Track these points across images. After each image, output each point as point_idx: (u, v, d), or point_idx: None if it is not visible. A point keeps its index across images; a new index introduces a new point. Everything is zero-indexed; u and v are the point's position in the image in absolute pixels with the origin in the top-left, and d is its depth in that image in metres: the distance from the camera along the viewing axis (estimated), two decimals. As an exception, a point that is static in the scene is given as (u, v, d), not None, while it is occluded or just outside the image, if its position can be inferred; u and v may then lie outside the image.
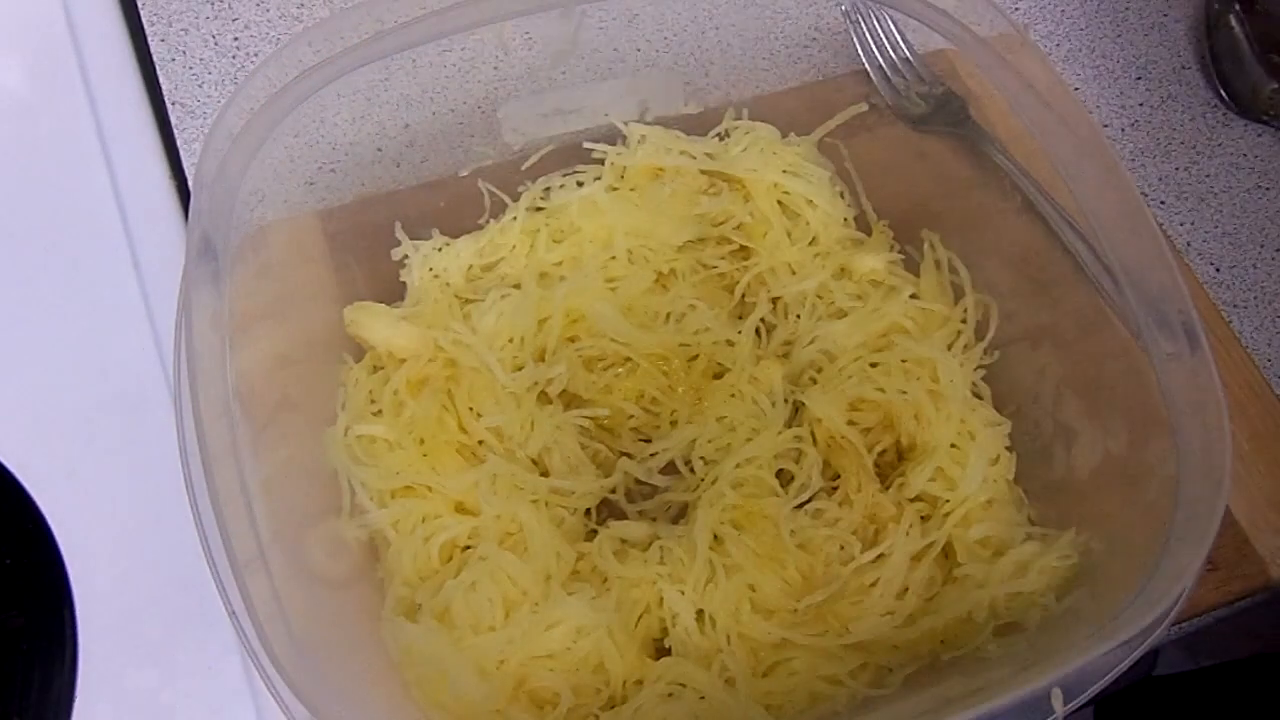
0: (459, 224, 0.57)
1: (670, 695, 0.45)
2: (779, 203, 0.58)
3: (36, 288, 0.57)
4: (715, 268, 0.56)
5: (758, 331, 0.55)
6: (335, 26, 0.47)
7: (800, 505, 0.50)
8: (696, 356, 0.54)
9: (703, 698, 0.45)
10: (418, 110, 0.59)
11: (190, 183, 0.56)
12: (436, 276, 0.55)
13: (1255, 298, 0.61)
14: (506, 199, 0.58)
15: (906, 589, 0.48)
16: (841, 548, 0.48)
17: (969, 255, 0.55)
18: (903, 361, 0.52)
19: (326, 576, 0.46)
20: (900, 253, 0.57)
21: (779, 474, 0.51)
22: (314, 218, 0.55)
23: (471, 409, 0.51)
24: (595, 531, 0.50)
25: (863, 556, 0.48)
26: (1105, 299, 0.48)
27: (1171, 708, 0.54)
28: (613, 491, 0.51)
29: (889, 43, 0.60)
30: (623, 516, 0.51)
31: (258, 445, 0.42)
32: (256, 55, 0.65)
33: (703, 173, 0.58)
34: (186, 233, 0.43)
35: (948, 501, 0.49)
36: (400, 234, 0.56)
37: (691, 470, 0.52)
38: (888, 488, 0.51)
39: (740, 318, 0.55)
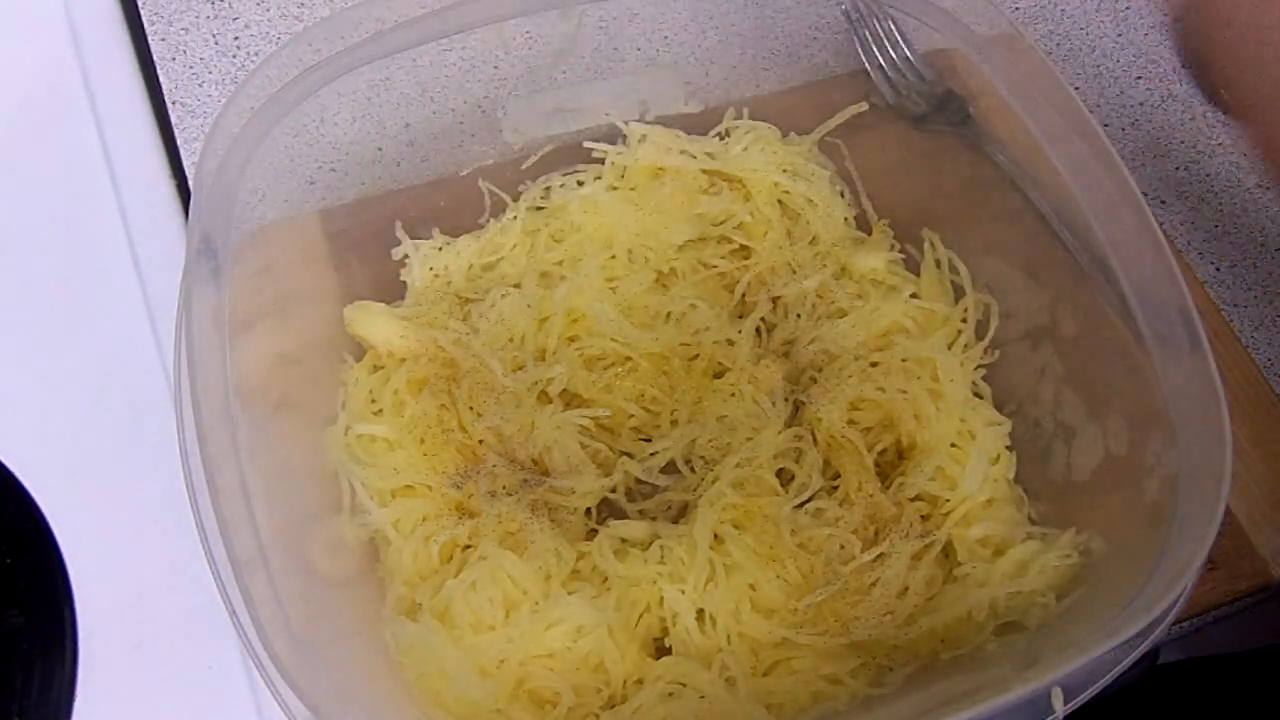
0: (459, 223, 0.57)
1: (671, 695, 0.45)
2: (779, 202, 0.58)
3: (37, 287, 0.57)
4: (715, 267, 0.56)
5: (758, 331, 0.55)
6: (335, 26, 0.47)
7: (800, 505, 0.50)
8: (697, 356, 0.54)
9: (703, 697, 0.45)
10: (418, 110, 0.59)
11: (190, 182, 0.56)
12: (437, 276, 0.55)
13: (1255, 297, 0.61)
14: (507, 198, 0.58)
15: (907, 588, 0.48)
16: (841, 547, 0.48)
17: (969, 255, 0.55)
18: (903, 361, 0.52)
19: (326, 576, 0.46)
20: (900, 252, 0.57)
21: (779, 473, 0.51)
22: (314, 217, 0.55)
23: (472, 409, 0.51)
24: (595, 531, 0.50)
25: (863, 556, 0.48)
26: (1105, 299, 0.48)
27: (1175, 698, 0.54)
28: (613, 491, 0.51)
29: (889, 42, 0.60)
30: (623, 516, 0.51)
31: (258, 445, 0.42)
32: (257, 55, 0.65)
33: (703, 172, 0.58)
34: (186, 232, 0.43)
35: (948, 501, 0.49)
36: (401, 233, 0.56)
37: (692, 470, 0.52)
38: (888, 487, 0.51)
39: (740, 317, 0.55)
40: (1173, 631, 0.52)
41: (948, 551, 0.50)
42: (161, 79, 0.64)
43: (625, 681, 0.46)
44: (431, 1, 0.47)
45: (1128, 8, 0.72)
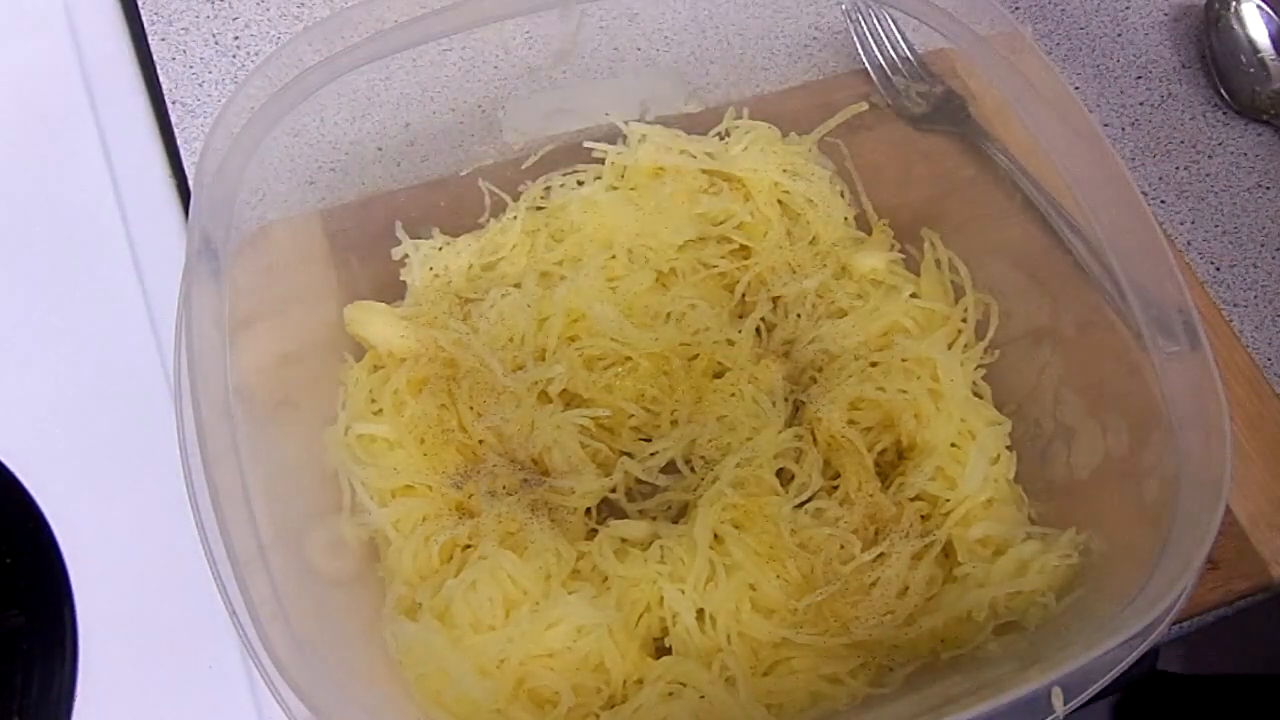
0: (459, 223, 0.57)
1: (671, 694, 0.45)
2: (779, 202, 0.58)
3: (37, 287, 0.57)
4: (715, 267, 0.56)
5: (758, 331, 0.55)
6: (335, 26, 0.47)
7: (800, 504, 0.50)
8: (697, 356, 0.54)
9: (703, 697, 0.45)
10: (418, 110, 0.59)
11: (190, 182, 0.56)
12: (437, 276, 0.55)
13: (1255, 297, 0.61)
14: (507, 198, 0.58)
15: (907, 588, 0.48)
16: (842, 547, 0.48)
17: (969, 255, 0.55)
18: (903, 361, 0.52)
19: (326, 576, 0.46)
20: (900, 252, 0.57)
21: (779, 473, 0.51)
22: (315, 217, 0.55)
23: (472, 408, 0.51)
24: (595, 531, 0.50)
25: (863, 556, 0.48)
26: (1105, 299, 0.48)
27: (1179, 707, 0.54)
28: (613, 491, 0.51)
29: (889, 42, 0.60)
30: (623, 515, 0.51)
31: (258, 445, 0.42)
32: (257, 54, 0.65)
33: (703, 172, 0.58)
34: (186, 232, 0.43)
35: (948, 501, 0.49)
36: (401, 233, 0.56)
37: (692, 469, 0.52)
38: (888, 487, 0.51)
39: (740, 317, 0.55)
40: (1173, 631, 0.52)
41: (948, 551, 0.50)
42: (161, 79, 0.64)
43: (625, 681, 0.46)
44: (432, 1, 0.47)
45: (1127, 8, 0.72)
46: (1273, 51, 0.67)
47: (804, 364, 0.54)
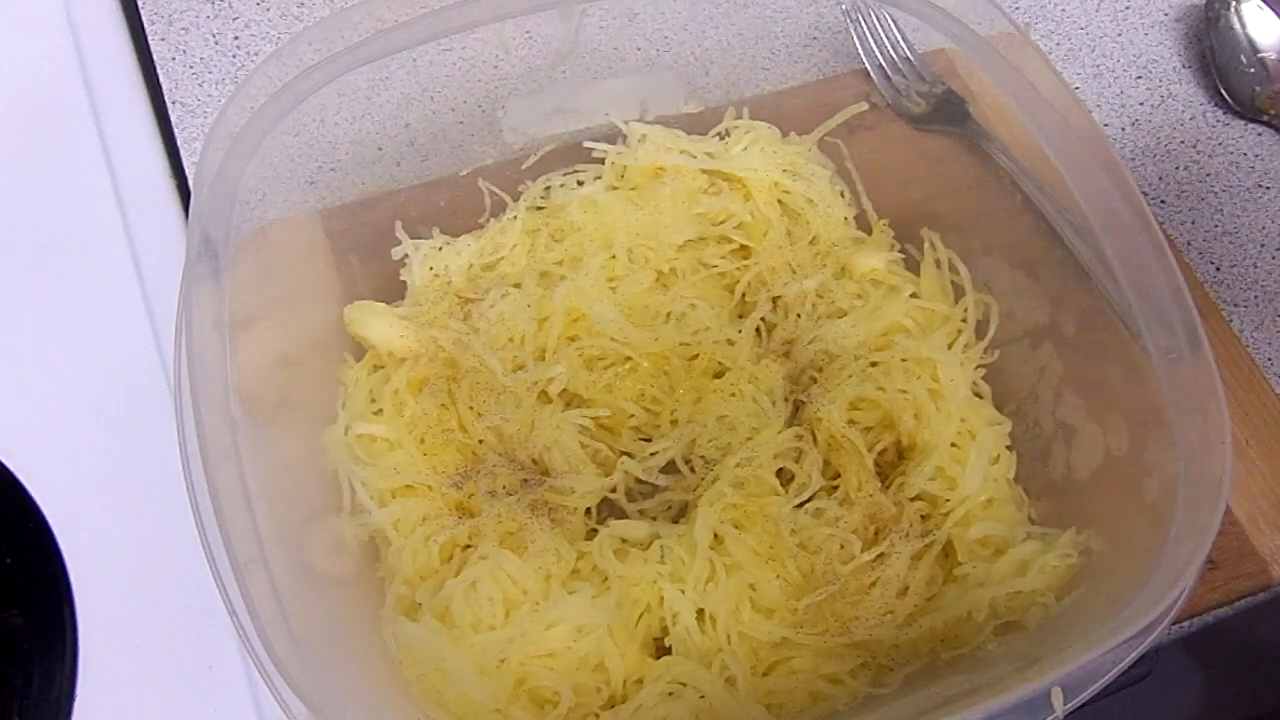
0: (459, 223, 0.57)
1: (671, 694, 0.45)
2: (779, 202, 0.58)
3: (37, 288, 0.57)
4: (716, 267, 0.56)
5: (758, 331, 0.55)
6: (335, 26, 0.47)
7: (801, 504, 0.50)
8: (697, 356, 0.54)
9: (703, 697, 0.45)
10: (418, 109, 0.59)
11: (190, 182, 0.56)
12: (437, 276, 0.55)
13: (1255, 297, 0.61)
14: (507, 198, 0.58)
15: (907, 588, 0.48)
16: (841, 547, 0.48)
17: (969, 254, 0.55)
18: (903, 361, 0.52)
19: (327, 576, 0.46)
20: (900, 252, 0.57)
21: (779, 473, 0.51)
22: (315, 217, 0.55)
23: (472, 408, 0.51)
24: (595, 531, 0.50)
25: (863, 556, 0.48)
26: (1105, 299, 0.48)
27: None
28: (613, 491, 0.51)
29: (889, 42, 0.60)
30: (623, 515, 0.51)
31: (258, 445, 0.42)
32: (257, 54, 0.65)
33: (703, 172, 0.58)
34: (186, 232, 0.43)
35: (948, 501, 0.49)
36: (401, 233, 0.56)
37: (692, 469, 0.52)
38: (888, 487, 0.51)
39: (741, 317, 0.55)
40: (1173, 631, 0.52)
41: (948, 551, 0.50)
42: (161, 79, 0.64)
43: (625, 681, 0.46)
44: (432, 1, 0.47)
45: (1128, 8, 0.72)
46: (1273, 52, 0.67)
47: (804, 364, 0.54)
